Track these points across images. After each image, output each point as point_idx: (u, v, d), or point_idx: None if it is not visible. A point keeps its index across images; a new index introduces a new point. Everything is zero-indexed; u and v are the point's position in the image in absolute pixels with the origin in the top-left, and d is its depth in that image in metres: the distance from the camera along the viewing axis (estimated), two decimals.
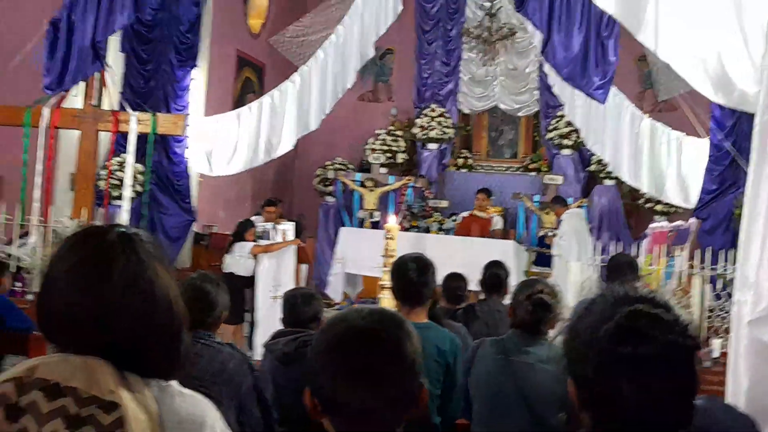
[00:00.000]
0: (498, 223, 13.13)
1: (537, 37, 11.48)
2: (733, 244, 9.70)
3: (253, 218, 11.94)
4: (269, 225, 10.60)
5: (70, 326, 1.65)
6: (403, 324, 1.80)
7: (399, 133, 15.87)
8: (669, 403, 1.56)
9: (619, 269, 5.72)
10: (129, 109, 10.50)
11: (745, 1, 5.25)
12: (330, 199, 14.97)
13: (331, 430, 1.73)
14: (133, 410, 1.56)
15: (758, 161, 2.23)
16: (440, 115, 15.50)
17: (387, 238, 9.87)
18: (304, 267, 11.02)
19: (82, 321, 1.64)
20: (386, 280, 9.74)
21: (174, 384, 1.72)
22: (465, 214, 13.36)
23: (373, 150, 15.42)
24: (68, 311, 1.65)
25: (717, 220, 10.51)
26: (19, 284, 8.98)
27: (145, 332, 1.66)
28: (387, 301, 9.74)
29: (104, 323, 1.63)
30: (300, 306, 4.66)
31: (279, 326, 8.92)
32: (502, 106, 16.02)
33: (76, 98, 10.59)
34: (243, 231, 10.30)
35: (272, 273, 9.94)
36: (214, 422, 1.73)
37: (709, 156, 10.69)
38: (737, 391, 2.16)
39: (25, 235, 9.87)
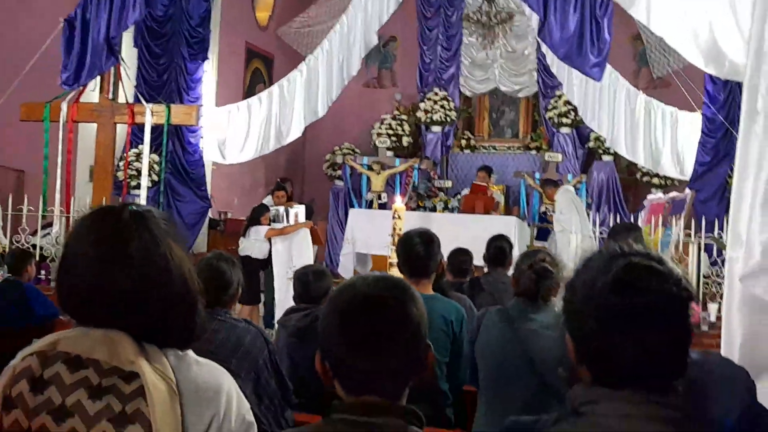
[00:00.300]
0: (499, 200, 13.10)
1: (534, 20, 11.47)
2: (727, 212, 9.71)
3: (265, 201, 11.98)
4: (281, 209, 10.60)
5: (90, 302, 1.66)
6: (407, 289, 1.79)
7: (404, 117, 15.84)
8: (664, 354, 1.55)
9: (620, 232, 5.67)
10: (144, 102, 10.51)
11: None
12: (339, 183, 14.96)
13: (341, 394, 1.73)
14: (152, 380, 1.57)
15: (747, 121, 2.22)
16: (443, 99, 15.45)
17: (394, 218, 9.88)
18: (316, 248, 11.03)
19: (101, 296, 1.64)
20: (395, 258, 9.78)
21: (191, 353, 1.73)
22: (465, 191, 13.34)
23: (379, 134, 15.40)
24: (88, 288, 1.66)
25: (711, 191, 10.50)
26: (43, 272, 9.03)
27: (162, 304, 1.67)
28: None
29: (123, 298, 1.64)
30: (312, 282, 4.66)
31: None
32: (502, 88, 15.94)
33: (93, 93, 10.60)
34: (258, 215, 10.31)
35: (287, 255, 9.94)
36: (230, 389, 1.74)
37: (703, 129, 10.69)
38: (731, 344, 2.15)
39: (48, 225, 9.92)
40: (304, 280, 4.69)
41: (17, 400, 1.57)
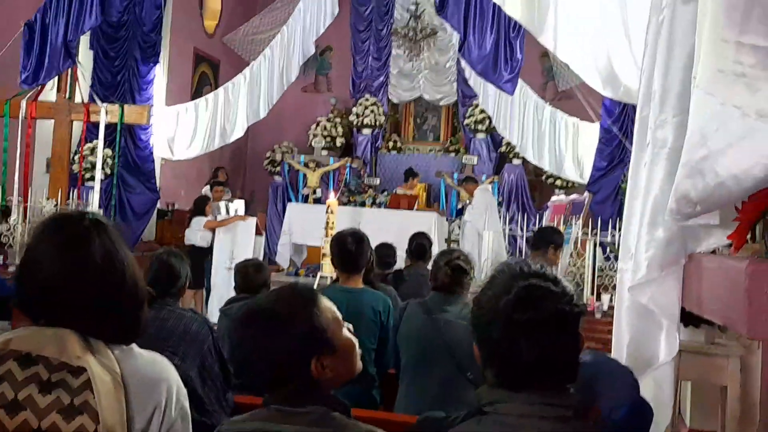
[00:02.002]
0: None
1: (455, 37, 11.56)
2: (619, 213, 9.97)
3: (203, 191, 11.86)
4: (222, 205, 10.53)
5: (48, 301, 1.64)
6: (311, 299, 1.84)
7: (338, 120, 15.81)
8: (558, 361, 1.62)
9: (549, 233, 5.81)
10: (98, 101, 10.27)
11: (629, 7, 5.35)
12: (278, 179, 14.85)
13: None
14: (98, 373, 1.57)
15: (637, 150, 2.30)
16: (373, 104, 15.48)
17: (328, 213, 9.89)
18: (260, 239, 10.94)
19: (62, 297, 1.63)
20: (327, 249, 9.78)
21: (134, 347, 1.72)
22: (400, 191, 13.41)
23: (315, 135, 15.36)
24: (50, 289, 1.64)
25: (606, 193, 10.72)
26: (0, 257, 8.78)
27: (116, 304, 1.66)
28: (327, 267, 9.80)
29: (82, 298, 1.63)
30: (252, 275, 4.65)
31: (232, 293, 8.94)
32: (426, 97, 16.04)
33: (51, 91, 10.32)
34: (202, 206, 10.20)
35: (229, 246, 9.86)
36: (170, 380, 1.73)
37: (600, 138, 10.87)
38: (620, 344, 2.24)
39: (7, 214, 9.63)
40: (244, 272, 4.68)
41: None
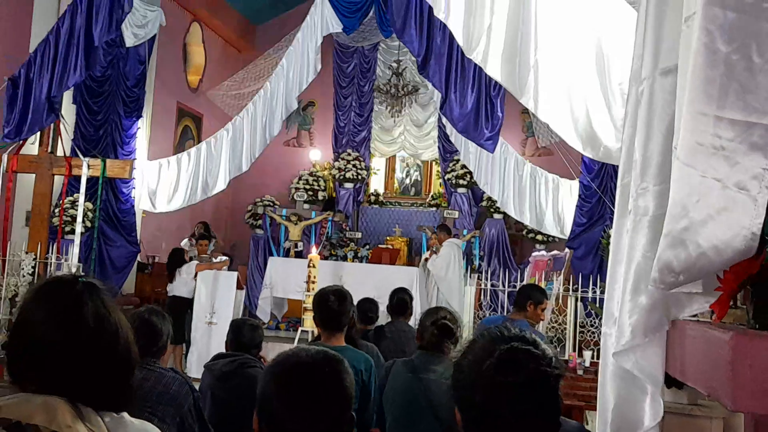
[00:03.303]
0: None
1: (437, 94, 11.71)
2: (600, 269, 10.03)
3: (182, 244, 11.80)
4: (205, 257, 10.49)
5: (40, 366, 1.63)
6: (342, 362, 1.82)
7: (320, 174, 15.93)
8: (539, 422, 1.63)
9: (524, 292, 5.83)
10: (80, 155, 10.27)
11: (607, 71, 5.48)
12: (259, 232, 14.83)
13: None
14: None
15: (619, 216, 2.33)
16: (355, 159, 15.62)
17: (310, 267, 9.88)
18: (240, 293, 10.89)
19: (51, 360, 1.62)
20: (309, 303, 9.75)
21: (125, 415, 1.70)
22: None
23: (297, 189, 15.41)
24: (40, 351, 1.63)
25: (587, 249, 10.77)
26: None
27: (106, 369, 1.65)
28: (308, 321, 9.74)
29: (73, 361, 1.62)
30: (246, 334, 4.59)
31: (212, 348, 8.85)
32: (407, 152, 16.24)
33: (32, 145, 10.30)
34: (181, 256, 10.16)
35: (209, 300, 9.80)
36: None
37: (580, 194, 10.97)
38: (605, 409, 2.24)
39: None
40: (238, 331, 4.62)
41: None
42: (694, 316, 2.02)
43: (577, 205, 11.02)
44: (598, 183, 10.47)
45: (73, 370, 1.61)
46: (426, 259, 11.92)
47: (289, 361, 1.80)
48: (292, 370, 1.77)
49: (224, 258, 10.52)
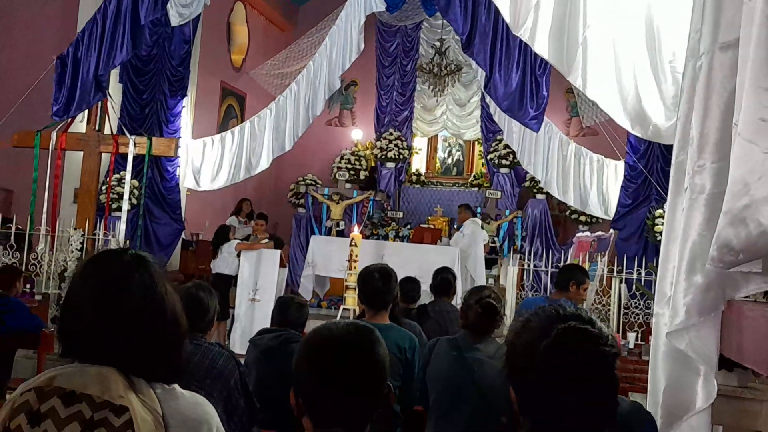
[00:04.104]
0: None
1: (480, 73, 11.60)
2: (645, 251, 9.89)
3: (228, 221, 11.93)
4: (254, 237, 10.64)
5: (90, 339, 1.65)
6: (374, 333, 1.81)
7: (361, 153, 15.94)
8: (597, 403, 1.60)
9: (566, 272, 5.76)
10: (127, 133, 10.40)
11: (658, 48, 5.36)
12: (302, 211, 14.92)
13: (308, 427, 1.74)
14: (140, 412, 1.57)
15: (673, 195, 2.28)
16: (397, 139, 15.59)
17: (352, 245, 9.90)
18: (283, 271, 10.97)
19: (101, 333, 1.64)
20: (350, 282, 9.79)
21: (176, 387, 1.72)
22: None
23: (339, 168, 15.44)
24: (89, 324, 1.65)
25: (631, 230, 10.63)
26: (28, 287, 8.83)
27: (155, 341, 1.67)
28: (350, 299, 9.79)
29: (121, 334, 1.64)
30: (293, 312, 4.62)
31: (255, 324, 8.94)
32: (449, 131, 16.16)
33: (80, 123, 10.46)
34: (227, 232, 10.26)
35: (252, 277, 9.89)
36: (212, 420, 1.73)
37: (625, 175, 10.84)
38: (656, 390, 2.21)
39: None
40: (285, 308, 4.65)
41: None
42: (747, 296, 1.98)
43: (622, 186, 10.88)
44: (644, 163, 10.32)
45: (121, 341, 1.63)
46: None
47: (321, 333, 1.79)
48: (324, 342, 1.76)
49: (267, 240, 10.59)
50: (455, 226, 12.02)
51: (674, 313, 2.04)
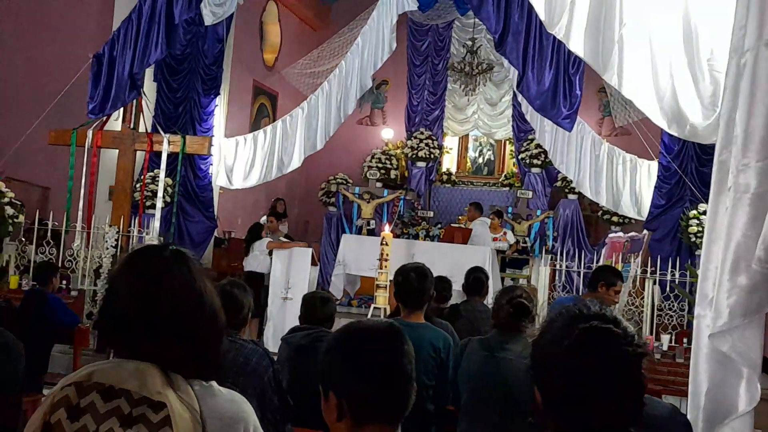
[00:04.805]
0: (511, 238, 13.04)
1: (512, 72, 11.53)
2: (678, 252, 9.77)
3: (262, 220, 12.00)
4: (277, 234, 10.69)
5: (128, 333, 1.65)
6: (402, 331, 1.82)
7: (392, 152, 15.93)
8: (621, 404, 1.58)
9: (597, 273, 5.70)
10: (161, 131, 10.49)
11: (695, 46, 5.28)
12: (332, 209, 14.95)
13: (346, 427, 1.73)
14: (177, 409, 1.57)
15: (716, 193, 2.24)
16: (428, 138, 15.57)
17: (383, 244, 9.88)
18: (315, 269, 10.99)
19: (138, 327, 1.64)
20: (381, 280, 9.77)
21: (214, 384, 1.72)
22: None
23: (370, 167, 15.45)
24: (127, 319, 1.65)
25: (665, 231, 10.51)
26: (64, 282, 8.94)
27: (192, 337, 1.66)
28: (381, 298, 9.77)
29: (158, 329, 1.63)
30: (318, 307, 4.62)
31: (287, 322, 8.97)
32: (480, 131, 16.09)
33: (116, 122, 10.58)
34: (259, 231, 10.29)
35: (284, 276, 9.91)
36: (249, 418, 1.72)
37: (659, 175, 10.72)
38: (698, 393, 2.17)
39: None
40: (310, 304, 4.66)
41: (56, 426, 1.56)
42: None
43: (655, 186, 10.76)
44: (678, 163, 10.19)
45: (158, 336, 1.63)
46: None
47: (350, 327, 1.81)
48: (352, 335, 1.78)
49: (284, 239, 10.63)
50: (462, 225, 12.08)
51: (717, 314, 2.00)
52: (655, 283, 8.58)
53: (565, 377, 1.59)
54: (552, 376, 1.62)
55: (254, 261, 10.08)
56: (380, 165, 15.52)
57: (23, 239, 9.51)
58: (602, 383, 1.56)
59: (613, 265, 9.00)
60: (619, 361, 1.58)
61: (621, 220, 13.16)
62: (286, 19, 16.42)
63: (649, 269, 8.56)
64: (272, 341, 9.19)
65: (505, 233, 12.65)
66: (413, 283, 4.17)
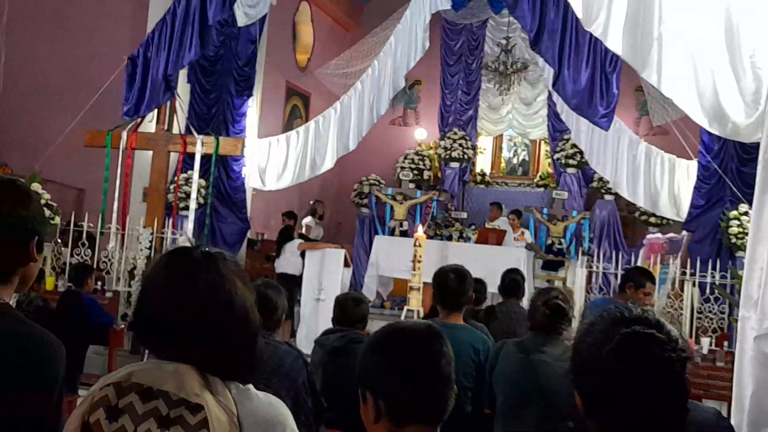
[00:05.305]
0: (528, 237, 12.99)
1: (547, 70, 11.44)
2: (718, 254, 9.62)
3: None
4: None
5: (162, 334, 1.66)
6: (442, 332, 1.81)
7: (425, 153, 15.90)
8: (665, 411, 1.55)
9: (627, 274, 5.62)
10: (194, 132, 10.59)
11: (737, 42, 5.20)
12: (365, 211, 14.96)
13: (385, 429, 1.72)
14: (215, 412, 1.57)
15: (761, 192, 2.20)
16: (461, 138, 15.52)
17: (416, 246, 9.87)
18: (347, 271, 11.01)
19: (171, 329, 1.64)
20: (414, 282, 9.76)
21: (251, 387, 1.72)
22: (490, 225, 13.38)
23: (403, 168, 15.41)
24: (159, 319, 1.66)
25: (705, 232, 10.36)
26: (99, 284, 9.07)
27: (225, 338, 1.66)
28: (414, 300, 9.76)
29: (189, 330, 1.64)
30: (351, 308, 4.63)
31: (320, 324, 9.01)
32: (515, 130, 16.00)
33: (150, 123, 10.70)
34: (291, 231, 10.34)
35: (317, 277, 9.94)
36: (286, 422, 1.72)
37: (698, 175, 10.58)
38: (742, 396, 2.13)
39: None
40: (343, 305, 4.67)
41: (94, 426, 1.57)
42: None
43: (695, 187, 10.62)
44: (718, 163, 10.04)
45: (190, 338, 1.63)
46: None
47: (388, 329, 1.82)
48: (390, 337, 1.78)
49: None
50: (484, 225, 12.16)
51: (763, 316, 1.96)
52: (694, 285, 8.48)
53: (606, 383, 1.57)
54: (593, 381, 1.59)
55: (285, 262, 10.13)
56: (413, 166, 15.49)
57: (59, 241, 9.66)
58: (645, 389, 1.53)
59: (651, 266, 8.92)
60: (663, 366, 1.55)
61: (659, 221, 12.98)
62: (318, 19, 16.48)
63: (688, 271, 8.46)
64: (305, 342, 9.22)
65: (522, 233, 12.63)
66: (452, 284, 4.16)
